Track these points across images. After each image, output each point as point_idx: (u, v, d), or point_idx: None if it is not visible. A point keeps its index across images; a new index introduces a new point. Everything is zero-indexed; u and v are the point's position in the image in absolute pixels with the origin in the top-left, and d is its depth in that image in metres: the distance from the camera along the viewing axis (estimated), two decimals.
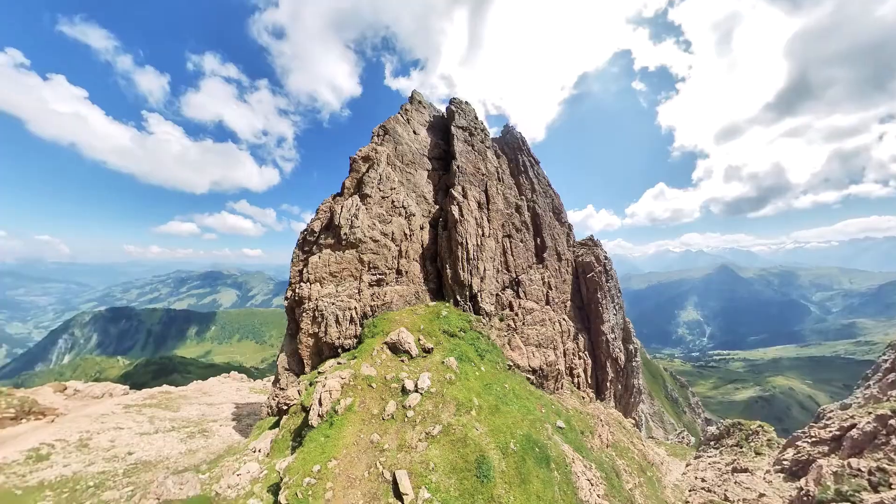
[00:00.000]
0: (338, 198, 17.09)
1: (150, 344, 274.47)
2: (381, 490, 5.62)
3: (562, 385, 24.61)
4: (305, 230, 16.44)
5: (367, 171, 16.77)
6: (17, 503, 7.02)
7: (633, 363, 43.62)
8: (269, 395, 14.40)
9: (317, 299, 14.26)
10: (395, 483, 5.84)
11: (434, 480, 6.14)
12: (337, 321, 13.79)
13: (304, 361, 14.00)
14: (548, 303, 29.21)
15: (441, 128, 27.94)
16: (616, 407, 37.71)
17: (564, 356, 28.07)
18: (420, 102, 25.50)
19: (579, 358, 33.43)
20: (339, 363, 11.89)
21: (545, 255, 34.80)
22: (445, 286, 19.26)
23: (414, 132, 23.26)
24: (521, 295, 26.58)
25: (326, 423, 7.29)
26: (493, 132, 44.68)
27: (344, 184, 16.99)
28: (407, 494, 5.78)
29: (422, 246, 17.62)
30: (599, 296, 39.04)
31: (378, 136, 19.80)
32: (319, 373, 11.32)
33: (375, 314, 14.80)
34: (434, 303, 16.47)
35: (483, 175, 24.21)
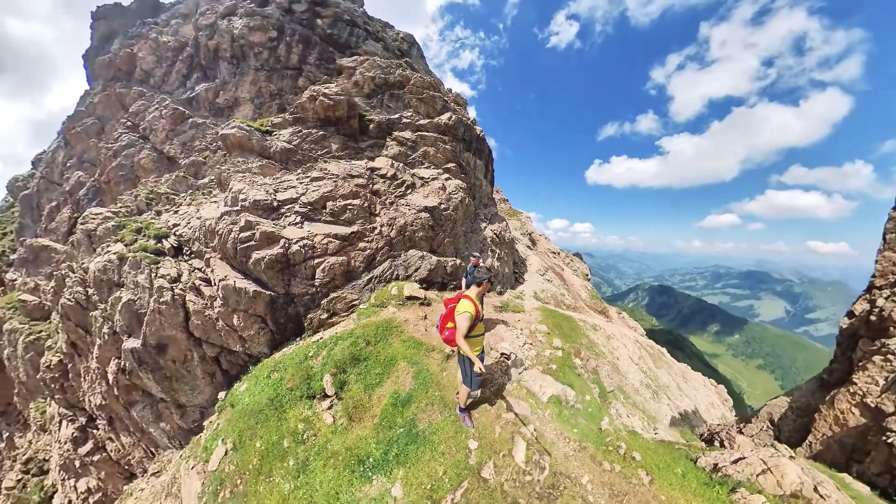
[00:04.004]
0: None
1: (676, 320, 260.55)
2: None
3: None
4: None
5: None
6: (574, 328, 11.90)
7: None
8: (720, 443, 7.54)
9: None
10: None
11: None
12: None
13: (807, 441, 5.92)
14: None
15: None
16: None
17: None
18: None
19: None
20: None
21: None
22: None
23: None
24: None
25: None
26: None
27: None
28: None
29: None
30: None
31: None
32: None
33: None
34: None
35: None
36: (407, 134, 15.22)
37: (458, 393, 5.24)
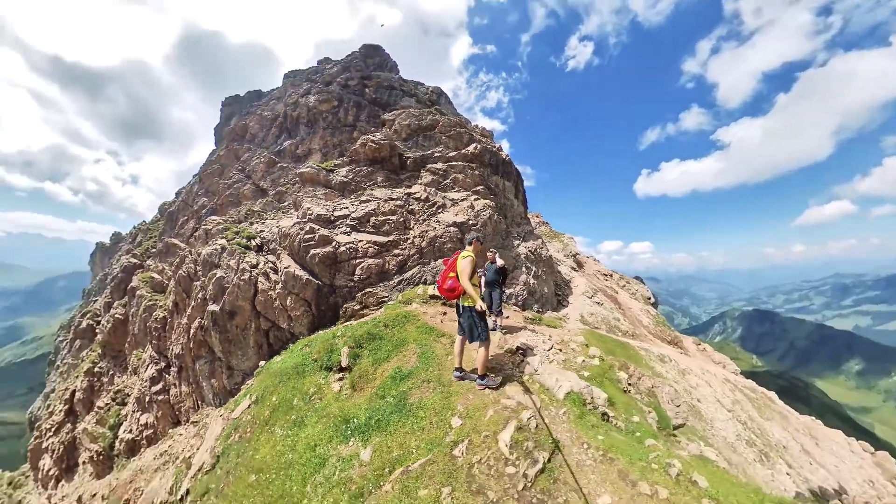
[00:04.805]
0: None
1: (788, 357, 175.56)
2: None
3: None
4: None
5: None
6: (632, 357, 8.92)
7: None
8: None
9: None
10: None
11: None
12: None
13: None
14: None
15: None
16: None
17: None
18: None
19: None
20: None
21: None
22: None
23: None
24: None
25: None
26: None
27: None
28: None
29: None
30: None
31: None
32: None
33: None
34: None
35: None
36: (439, 165, 16.79)
37: (458, 370, 4.79)
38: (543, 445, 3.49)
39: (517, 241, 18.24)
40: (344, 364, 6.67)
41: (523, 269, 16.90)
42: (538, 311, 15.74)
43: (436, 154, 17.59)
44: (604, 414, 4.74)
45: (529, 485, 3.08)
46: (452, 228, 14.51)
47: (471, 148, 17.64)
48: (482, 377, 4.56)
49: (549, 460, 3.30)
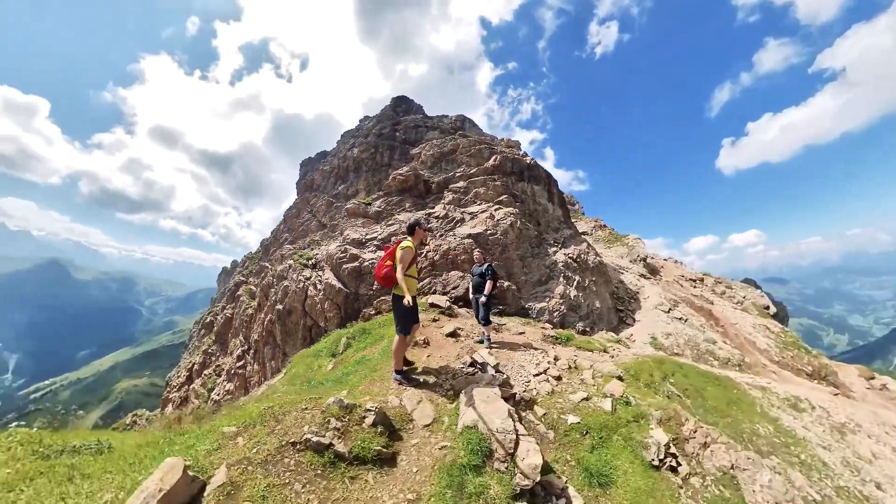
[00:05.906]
0: None
1: None
2: None
3: None
4: None
5: None
6: (736, 402, 6.76)
7: None
8: None
9: None
10: None
11: None
12: None
13: None
14: None
15: None
16: None
17: None
18: None
19: None
20: None
21: None
22: None
23: None
24: None
25: None
26: None
27: None
28: None
29: None
30: None
31: None
32: None
33: None
34: None
35: None
36: (460, 184, 18.11)
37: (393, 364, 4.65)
38: (350, 440, 3.07)
39: (553, 248, 17.37)
40: (340, 351, 8.32)
41: (560, 280, 15.67)
42: (585, 331, 13.39)
43: (457, 174, 19.02)
44: (527, 486, 2.81)
45: (300, 447, 2.93)
46: (467, 240, 15.15)
47: (490, 161, 18.55)
48: (397, 372, 4.45)
49: (345, 461, 2.93)
